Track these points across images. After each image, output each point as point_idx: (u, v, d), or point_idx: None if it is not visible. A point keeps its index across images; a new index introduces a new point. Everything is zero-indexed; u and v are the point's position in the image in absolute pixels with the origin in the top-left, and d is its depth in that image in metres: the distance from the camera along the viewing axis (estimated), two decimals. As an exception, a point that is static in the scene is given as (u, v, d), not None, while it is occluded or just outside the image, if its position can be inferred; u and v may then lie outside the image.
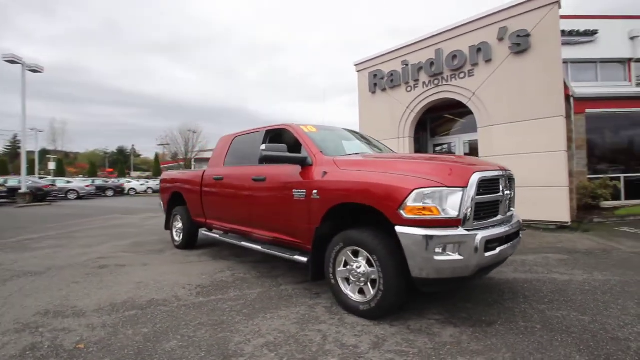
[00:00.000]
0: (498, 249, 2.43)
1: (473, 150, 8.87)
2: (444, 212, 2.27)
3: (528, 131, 6.83)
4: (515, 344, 2.17)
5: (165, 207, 5.89)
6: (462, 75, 7.87)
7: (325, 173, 2.92)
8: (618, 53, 13.13)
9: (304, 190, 3.04)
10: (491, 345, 2.16)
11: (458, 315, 2.61)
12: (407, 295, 2.53)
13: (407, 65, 8.91)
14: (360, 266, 2.60)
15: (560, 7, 6.52)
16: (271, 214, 3.51)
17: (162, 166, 47.34)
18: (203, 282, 3.58)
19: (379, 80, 9.62)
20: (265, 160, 3.11)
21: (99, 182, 28.90)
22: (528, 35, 6.73)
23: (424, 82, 8.65)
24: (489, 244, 2.35)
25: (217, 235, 4.47)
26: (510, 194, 2.85)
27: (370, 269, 2.55)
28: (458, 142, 9.58)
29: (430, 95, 8.56)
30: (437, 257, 2.22)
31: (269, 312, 2.74)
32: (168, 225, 5.82)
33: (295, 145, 3.43)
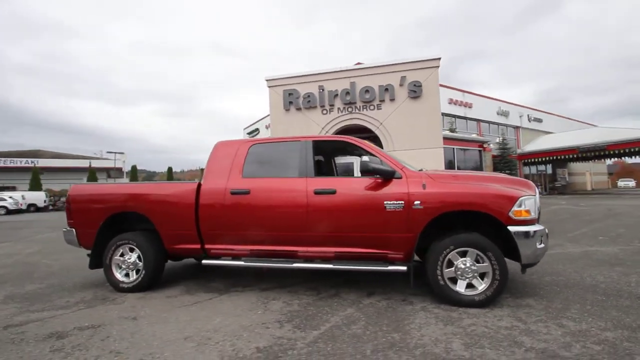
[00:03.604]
0: (543, 238, 3.51)
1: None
2: (531, 214, 3.13)
3: (421, 157, 9.06)
4: (569, 298, 3.23)
5: (93, 236, 4.18)
6: (372, 107, 9.51)
7: (424, 185, 3.24)
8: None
9: (402, 202, 3.23)
10: (564, 301, 3.14)
11: (518, 292, 3.49)
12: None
13: (323, 90, 9.83)
14: (472, 264, 3.09)
15: (438, 68, 9.20)
16: (344, 228, 3.41)
17: None
18: (276, 317, 3.00)
19: (295, 99, 10.07)
20: (368, 171, 3.21)
21: None
22: (420, 86, 9.06)
23: (338, 108, 9.80)
24: (546, 235, 3.39)
25: (241, 262, 3.69)
26: None
27: (479, 265, 3.08)
28: (356, 162, 11.23)
29: (345, 120, 9.79)
30: (538, 247, 3.04)
31: (408, 325, 2.74)
32: (99, 262, 4.16)
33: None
